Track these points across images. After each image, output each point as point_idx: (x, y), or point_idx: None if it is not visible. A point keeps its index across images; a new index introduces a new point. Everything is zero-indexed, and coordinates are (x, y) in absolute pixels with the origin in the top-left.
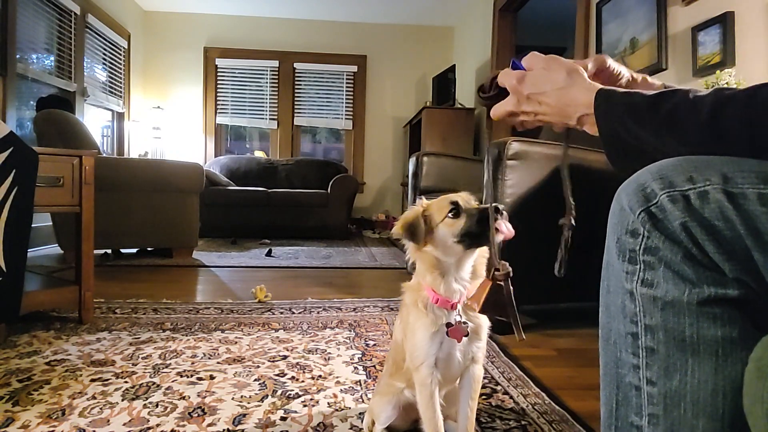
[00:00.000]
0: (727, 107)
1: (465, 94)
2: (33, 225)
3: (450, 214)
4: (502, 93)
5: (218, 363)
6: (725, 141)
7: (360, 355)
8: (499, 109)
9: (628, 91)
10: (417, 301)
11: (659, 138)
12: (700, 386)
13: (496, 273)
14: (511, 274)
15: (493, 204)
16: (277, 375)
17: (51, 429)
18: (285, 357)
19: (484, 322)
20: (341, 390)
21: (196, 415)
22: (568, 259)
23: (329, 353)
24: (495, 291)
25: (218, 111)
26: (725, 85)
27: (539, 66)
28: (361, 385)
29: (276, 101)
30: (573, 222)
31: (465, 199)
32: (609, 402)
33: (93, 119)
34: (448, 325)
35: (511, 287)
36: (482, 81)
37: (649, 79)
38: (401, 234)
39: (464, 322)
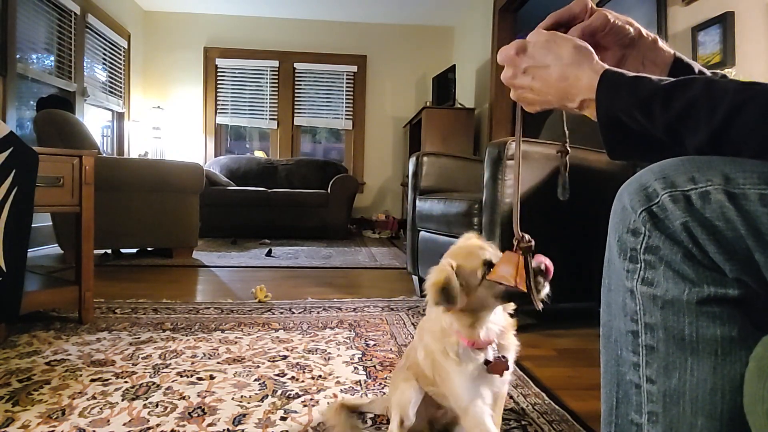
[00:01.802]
0: (743, 113)
1: (465, 94)
2: (33, 225)
3: (486, 274)
4: None
5: (218, 363)
6: (733, 148)
7: (360, 355)
8: (503, 74)
9: (636, 78)
10: (446, 351)
11: (668, 133)
12: (699, 385)
13: (521, 245)
14: (533, 247)
15: (525, 244)
16: (277, 375)
17: (51, 429)
18: (285, 357)
19: (513, 343)
20: (341, 390)
21: (196, 415)
22: (569, 185)
23: (329, 353)
24: (526, 264)
25: (218, 111)
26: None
27: (543, 38)
28: (361, 385)
29: (276, 101)
30: (567, 148)
31: (491, 251)
32: (609, 399)
33: (93, 119)
34: (487, 362)
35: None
36: (484, 79)
37: (660, 42)
38: (437, 299)
39: (503, 357)
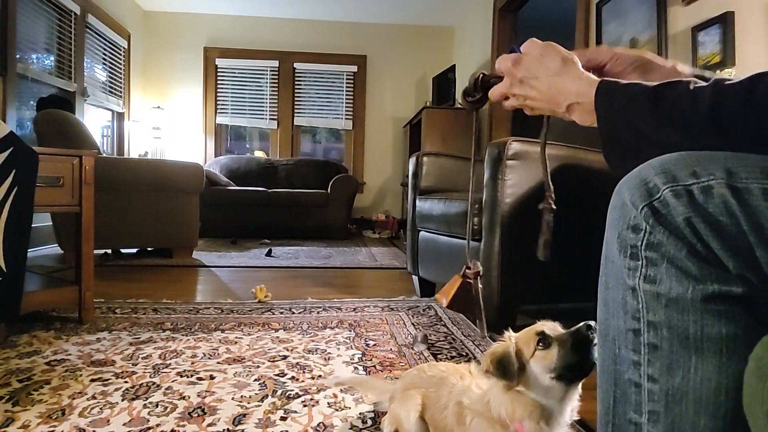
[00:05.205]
0: (727, 99)
1: None
2: (33, 225)
3: (539, 346)
4: (487, 96)
5: (218, 363)
6: (726, 133)
7: (360, 355)
8: (495, 90)
9: (628, 84)
10: None
11: (660, 131)
12: (702, 384)
13: (467, 271)
14: (481, 273)
15: (585, 323)
16: (277, 375)
17: (51, 429)
18: (285, 357)
19: None
20: (341, 390)
21: (196, 415)
22: (552, 244)
23: (329, 353)
24: (464, 288)
25: (218, 111)
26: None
27: (536, 52)
28: None
29: (276, 101)
30: (553, 205)
31: (551, 327)
32: (606, 399)
33: (93, 119)
34: None
35: (480, 286)
36: (467, 85)
37: (679, 66)
38: (491, 369)
39: None
